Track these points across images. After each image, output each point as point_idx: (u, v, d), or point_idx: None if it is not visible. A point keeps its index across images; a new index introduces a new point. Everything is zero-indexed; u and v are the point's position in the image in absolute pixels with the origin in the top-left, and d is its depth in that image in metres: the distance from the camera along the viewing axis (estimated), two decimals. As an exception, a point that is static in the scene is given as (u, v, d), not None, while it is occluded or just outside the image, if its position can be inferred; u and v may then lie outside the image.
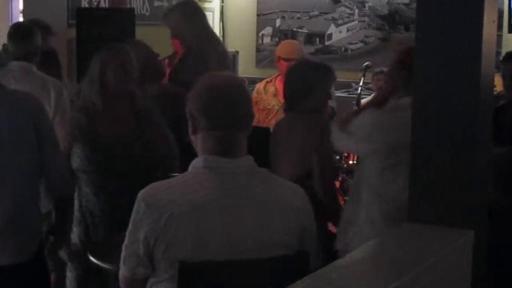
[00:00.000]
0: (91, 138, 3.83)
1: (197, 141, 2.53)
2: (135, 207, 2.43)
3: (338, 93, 5.52)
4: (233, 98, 2.51)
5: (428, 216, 2.32)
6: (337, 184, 5.49)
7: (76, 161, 3.82)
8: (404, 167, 3.04)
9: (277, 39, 8.41)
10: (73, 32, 6.16)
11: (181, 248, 2.37)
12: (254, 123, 2.65)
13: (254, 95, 5.72)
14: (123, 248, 2.47)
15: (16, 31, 4.50)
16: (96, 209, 3.84)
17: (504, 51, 6.80)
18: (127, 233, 2.46)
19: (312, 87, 3.93)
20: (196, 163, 2.51)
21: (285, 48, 5.71)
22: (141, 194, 2.43)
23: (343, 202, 5.26)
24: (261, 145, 3.76)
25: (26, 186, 3.20)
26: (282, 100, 4.56)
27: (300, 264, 2.47)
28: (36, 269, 3.26)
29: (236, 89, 2.55)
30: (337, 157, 5.70)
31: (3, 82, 3.36)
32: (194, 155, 2.57)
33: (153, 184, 2.48)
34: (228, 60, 4.98)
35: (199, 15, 5.09)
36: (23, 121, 3.17)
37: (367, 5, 8.16)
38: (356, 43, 8.23)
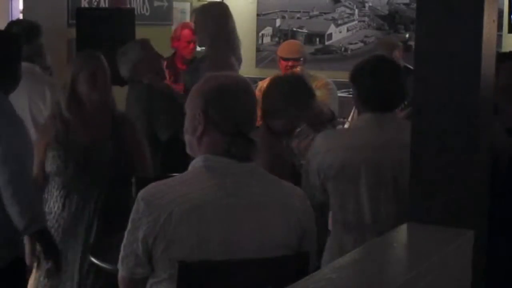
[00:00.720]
0: (67, 142, 3.85)
1: (201, 141, 2.51)
2: (135, 206, 2.43)
3: (338, 93, 5.50)
4: (250, 102, 2.51)
5: (428, 216, 2.32)
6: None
7: (52, 166, 3.83)
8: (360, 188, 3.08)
9: (277, 39, 8.41)
10: (73, 32, 6.16)
11: (180, 247, 2.36)
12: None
13: (256, 93, 5.71)
14: (122, 248, 2.47)
15: (22, 31, 4.46)
16: (65, 213, 3.85)
17: (504, 51, 6.81)
18: (125, 233, 2.45)
19: (284, 107, 3.74)
20: (195, 163, 2.51)
21: (285, 48, 5.70)
22: (140, 193, 2.43)
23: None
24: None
25: None
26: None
27: (300, 264, 2.47)
28: (9, 277, 3.21)
29: (251, 92, 2.56)
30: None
31: None
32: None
33: (152, 184, 2.48)
34: (234, 68, 4.93)
35: (223, 18, 5.03)
36: None
37: (367, 5, 8.17)
38: (356, 43, 8.24)
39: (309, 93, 3.92)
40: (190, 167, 2.52)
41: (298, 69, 5.27)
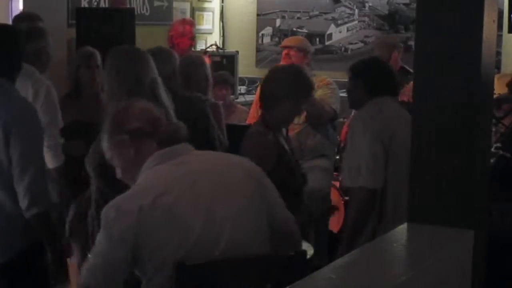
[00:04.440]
0: None
1: None
2: (103, 222, 2.43)
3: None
4: None
5: (428, 216, 2.32)
6: (337, 184, 5.50)
7: None
8: None
9: (277, 39, 8.40)
10: (73, 32, 6.16)
11: (166, 247, 2.38)
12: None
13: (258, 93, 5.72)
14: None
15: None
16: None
17: (504, 51, 6.81)
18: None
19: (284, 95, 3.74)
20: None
21: (287, 38, 5.78)
22: (104, 209, 2.45)
23: (342, 201, 5.26)
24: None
25: (2, 185, 3.16)
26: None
27: (300, 264, 2.47)
28: (21, 268, 3.22)
29: None
30: (337, 157, 5.71)
31: None
32: None
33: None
34: None
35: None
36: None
37: (367, 5, 8.16)
38: (356, 43, 8.23)
39: (309, 84, 3.93)
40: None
41: (293, 60, 5.27)
